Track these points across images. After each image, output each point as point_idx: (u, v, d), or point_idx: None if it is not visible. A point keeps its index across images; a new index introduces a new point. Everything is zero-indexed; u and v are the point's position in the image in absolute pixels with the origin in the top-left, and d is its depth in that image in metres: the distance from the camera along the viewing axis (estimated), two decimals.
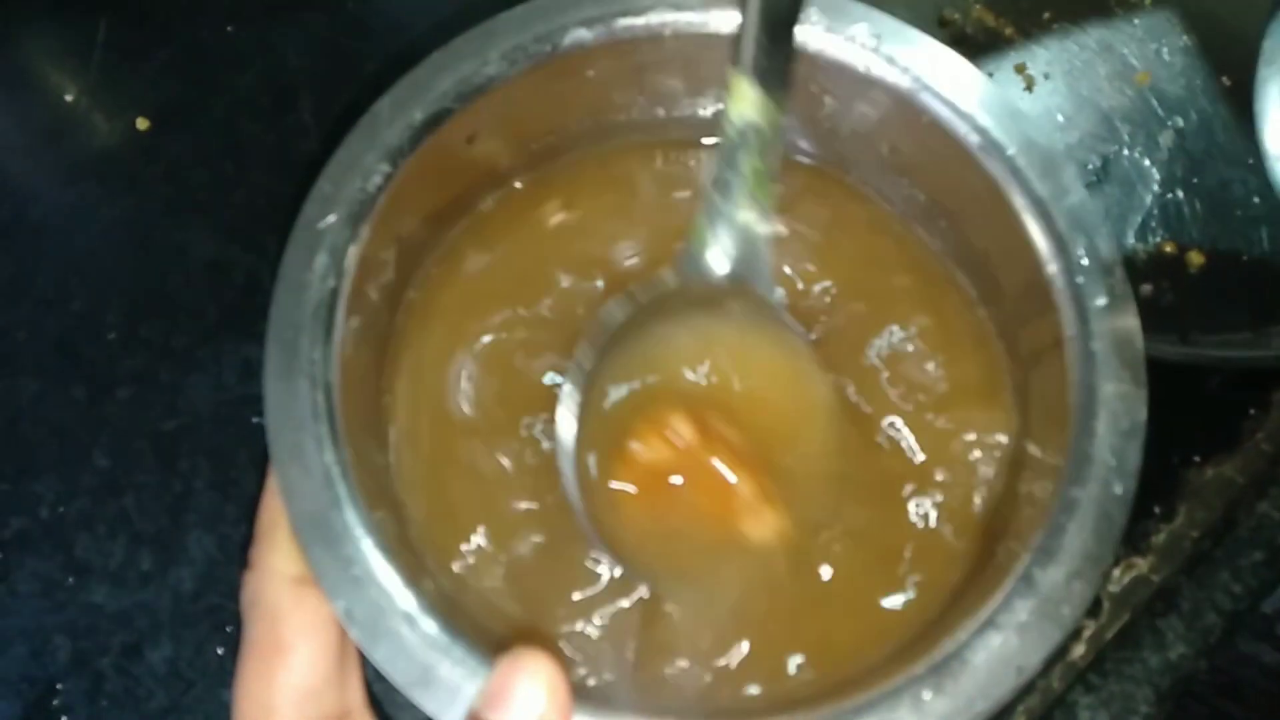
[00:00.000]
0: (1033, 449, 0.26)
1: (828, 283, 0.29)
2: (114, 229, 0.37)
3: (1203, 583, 0.32)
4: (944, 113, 0.27)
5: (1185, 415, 0.35)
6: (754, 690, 0.24)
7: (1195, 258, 0.38)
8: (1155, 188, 0.39)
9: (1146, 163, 0.39)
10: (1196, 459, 0.35)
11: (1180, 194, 0.39)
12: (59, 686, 0.32)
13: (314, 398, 0.23)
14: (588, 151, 0.30)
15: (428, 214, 0.28)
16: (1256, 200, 0.39)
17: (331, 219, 0.25)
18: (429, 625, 0.22)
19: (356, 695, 0.23)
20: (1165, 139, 0.40)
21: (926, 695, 0.21)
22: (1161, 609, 0.32)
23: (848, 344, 0.28)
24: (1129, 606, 0.33)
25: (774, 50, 0.26)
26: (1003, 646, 0.22)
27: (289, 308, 0.24)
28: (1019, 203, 0.26)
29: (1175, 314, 0.37)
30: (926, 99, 0.27)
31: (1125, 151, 0.39)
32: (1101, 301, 0.25)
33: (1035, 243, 0.26)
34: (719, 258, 0.27)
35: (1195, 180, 0.39)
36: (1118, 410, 0.24)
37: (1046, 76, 0.41)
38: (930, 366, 0.28)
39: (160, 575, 0.33)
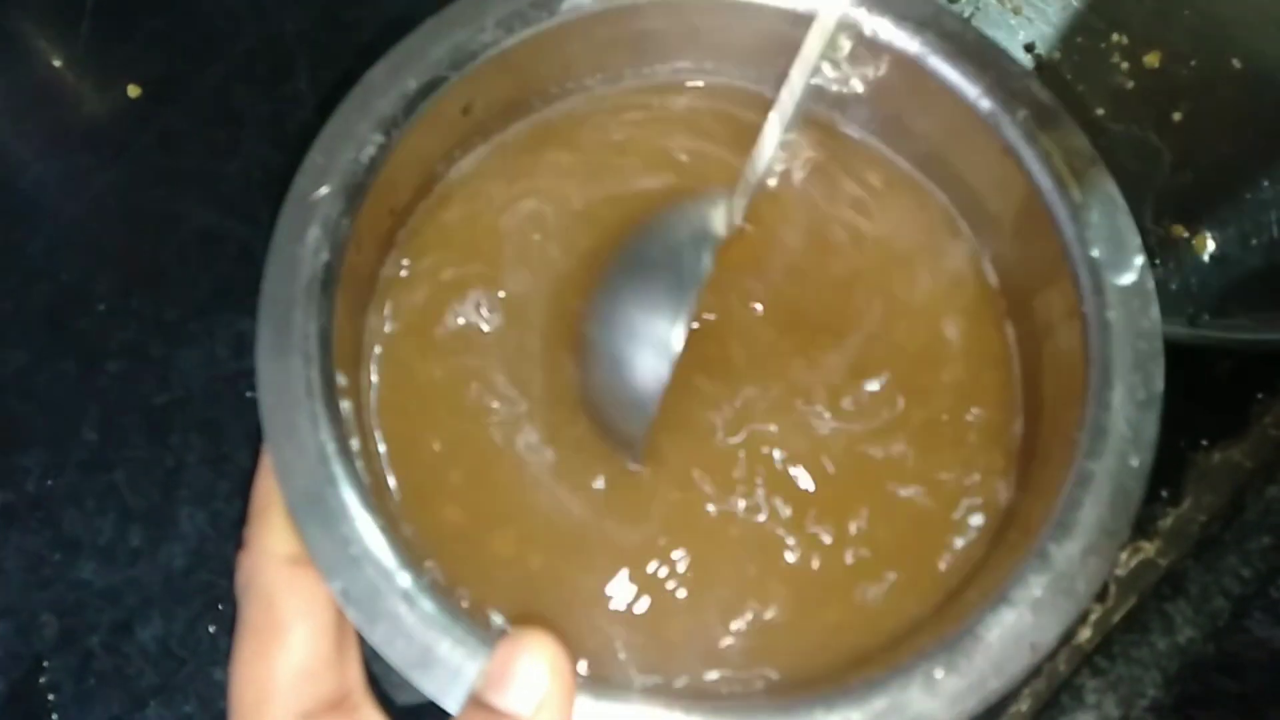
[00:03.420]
0: (1046, 423, 0.25)
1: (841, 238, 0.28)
2: (104, 199, 0.36)
3: (1211, 566, 0.32)
4: (953, 77, 0.26)
5: (1193, 399, 0.35)
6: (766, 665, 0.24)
7: (1204, 241, 0.37)
8: (1165, 169, 0.38)
9: (1156, 143, 0.39)
10: (1204, 443, 0.35)
11: (1190, 176, 0.38)
12: (46, 664, 0.31)
13: (307, 374, 0.23)
14: (579, 101, 0.29)
15: (422, 181, 0.27)
16: (1266, 183, 0.38)
17: (324, 191, 0.24)
18: (428, 604, 0.21)
19: (355, 676, 0.23)
20: (1175, 120, 0.39)
21: (939, 673, 0.21)
22: (1169, 593, 0.32)
23: (852, 315, 0.27)
24: (1136, 590, 0.32)
25: None
26: (1017, 623, 0.21)
27: (281, 282, 0.23)
28: (1033, 170, 0.25)
29: (1184, 297, 0.37)
30: (935, 63, 0.26)
31: (1136, 132, 0.39)
32: (1116, 270, 0.24)
33: (1049, 209, 0.25)
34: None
35: (1204, 162, 0.38)
36: (1134, 381, 0.23)
37: (1057, 55, 0.40)
38: (938, 345, 0.27)
39: (151, 551, 0.32)
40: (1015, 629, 0.21)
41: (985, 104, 0.26)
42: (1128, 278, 0.24)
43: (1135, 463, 0.22)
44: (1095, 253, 0.24)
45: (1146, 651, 0.31)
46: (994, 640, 0.21)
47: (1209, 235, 0.37)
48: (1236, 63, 0.40)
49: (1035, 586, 0.22)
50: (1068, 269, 0.25)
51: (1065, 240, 0.25)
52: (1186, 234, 0.37)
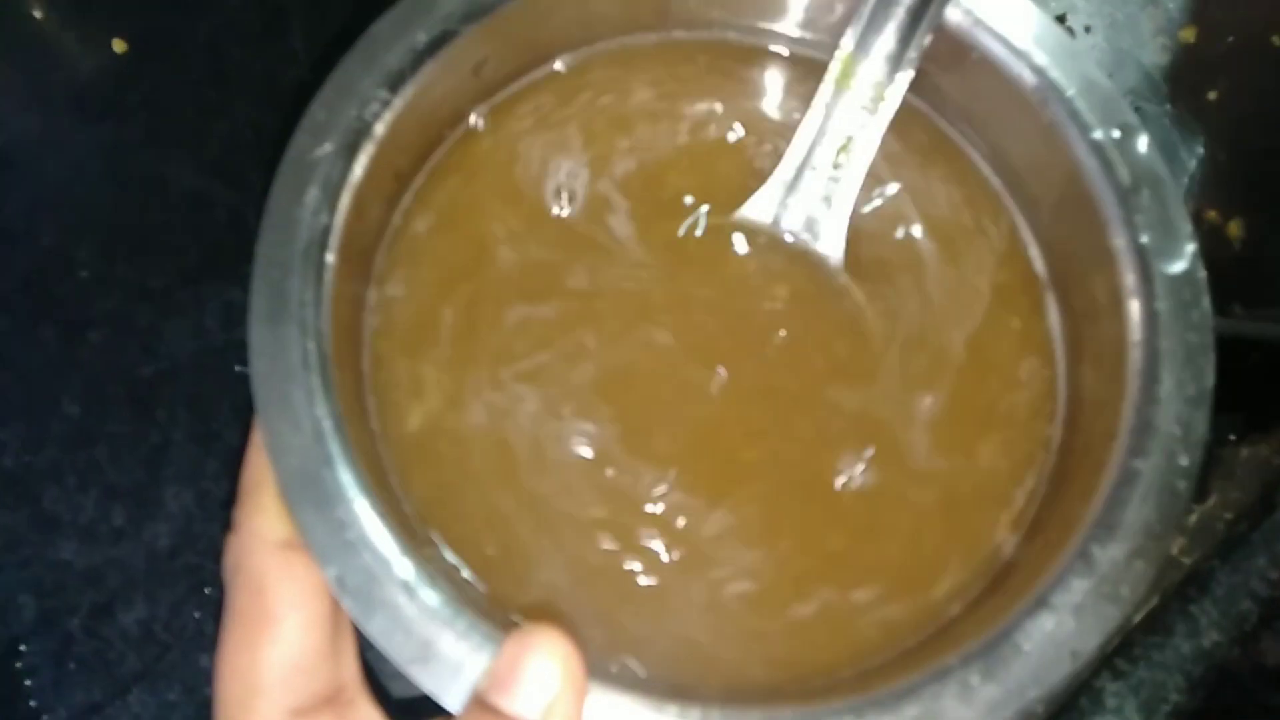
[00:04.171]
0: (1087, 415, 0.24)
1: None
2: (88, 159, 0.35)
3: (1238, 567, 0.31)
4: (998, 50, 0.25)
5: (1220, 392, 0.33)
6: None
7: (1236, 227, 0.36)
8: (1198, 150, 0.37)
9: (1191, 123, 0.37)
10: (1231, 438, 0.33)
11: (1223, 158, 0.37)
12: (23, 648, 0.30)
13: (304, 345, 0.21)
14: (601, 62, 0.27)
15: (429, 143, 0.26)
16: None
17: (325, 149, 0.23)
18: (430, 595, 0.20)
19: (351, 669, 0.21)
20: (1210, 99, 0.38)
21: (975, 680, 0.20)
22: (1194, 594, 0.30)
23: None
24: (1159, 590, 0.31)
25: (911, 32, 0.25)
26: (1057, 629, 0.20)
27: (277, 246, 0.22)
28: (1078, 150, 0.24)
29: (1214, 285, 0.35)
30: (980, 36, 0.25)
31: (1168, 110, 0.37)
32: (1166, 257, 0.23)
33: (1095, 192, 0.24)
34: (792, 216, 0.26)
35: (1240, 144, 0.37)
36: (1183, 376, 0.22)
37: (1088, 29, 0.38)
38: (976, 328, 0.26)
39: (134, 531, 0.31)
40: (1055, 635, 0.20)
41: (1030, 79, 0.25)
42: (1178, 266, 0.23)
43: (1184, 462, 0.21)
44: (1144, 239, 0.23)
45: (1170, 654, 0.30)
46: (1033, 647, 0.20)
47: (1242, 221, 0.36)
48: (1277, 40, 0.38)
49: (1077, 590, 0.20)
50: (1113, 255, 0.23)
51: (1111, 225, 0.24)
52: (1218, 219, 0.36)
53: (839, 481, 0.24)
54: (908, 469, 0.24)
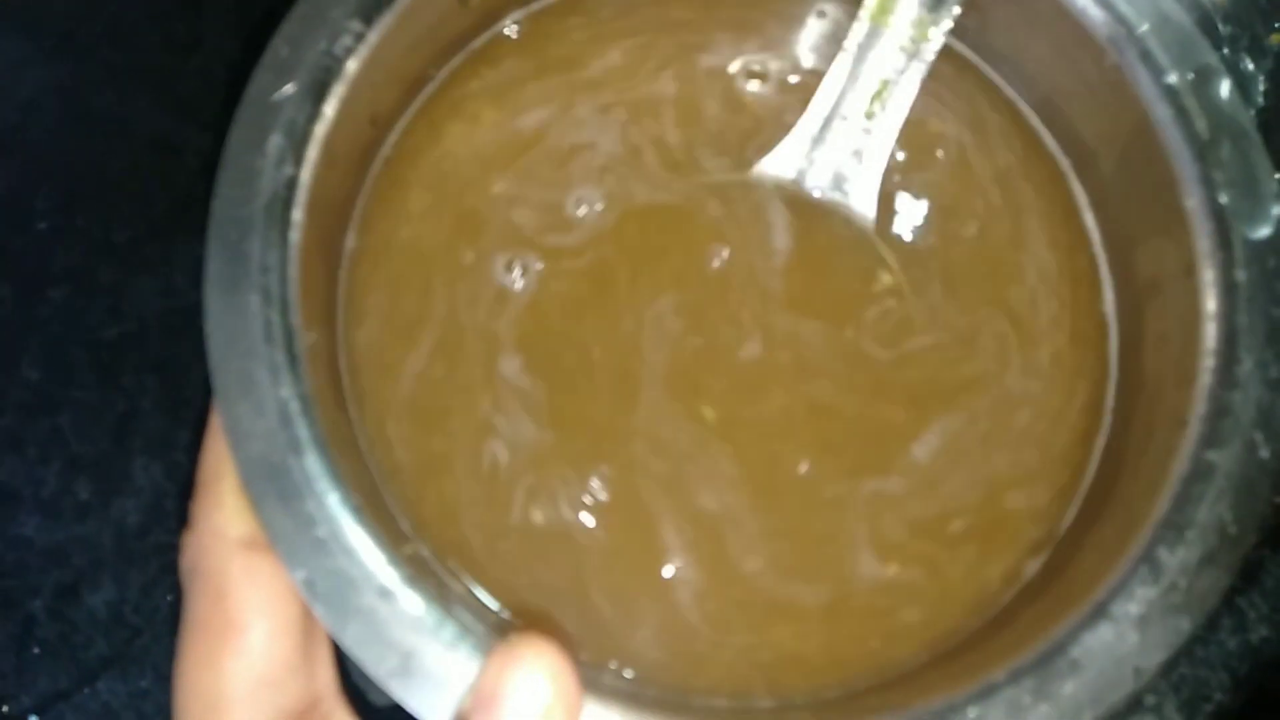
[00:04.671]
0: (1146, 399, 0.22)
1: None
2: (44, 98, 0.32)
3: None
4: None
5: None
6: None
7: None
8: (1259, 101, 0.34)
9: (1250, 70, 0.34)
10: None
11: None
12: None
13: (267, 316, 0.19)
14: None
15: (409, 80, 0.23)
16: None
17: (289, 90, 0.21)
18: (411, 600, 0.18)
19: (326, 679, 0.19)
20: (1274, 44, 0.35)
21: (1026, 699, 0.18)
22: (1241, 585, 0.28)
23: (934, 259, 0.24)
24: None
25: None
26: (1117, 643, 0.18)
27: (236, 202, 0.20)
28: (1149, 96, 0.21)
29: None
30: None
31: (1226, 54, 0.34)
32: (1249, 220, 0.21)
33: (1166, 144, 0.21)
34: (818, 172, 0.24)
35: None
36: (1265, 355, 0.20)
37: None
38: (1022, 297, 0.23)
39: (101, 506, 0.29)
40: (1116, 649, 0.18)
41: (1096, 13, 0.22)
42: (1262, 230, 0.20)
43: (1265, 454, 0.19)
44: (1223, 198, 0.21)
45: (1214, 650, 0.28)
46: (1091, 662, 0.18)
47: None
48: None
49: (1141, 599, 0.18)
50: (1185, 217, 0.21)
51: (1184, 182, 0.21)
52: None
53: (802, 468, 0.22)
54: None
